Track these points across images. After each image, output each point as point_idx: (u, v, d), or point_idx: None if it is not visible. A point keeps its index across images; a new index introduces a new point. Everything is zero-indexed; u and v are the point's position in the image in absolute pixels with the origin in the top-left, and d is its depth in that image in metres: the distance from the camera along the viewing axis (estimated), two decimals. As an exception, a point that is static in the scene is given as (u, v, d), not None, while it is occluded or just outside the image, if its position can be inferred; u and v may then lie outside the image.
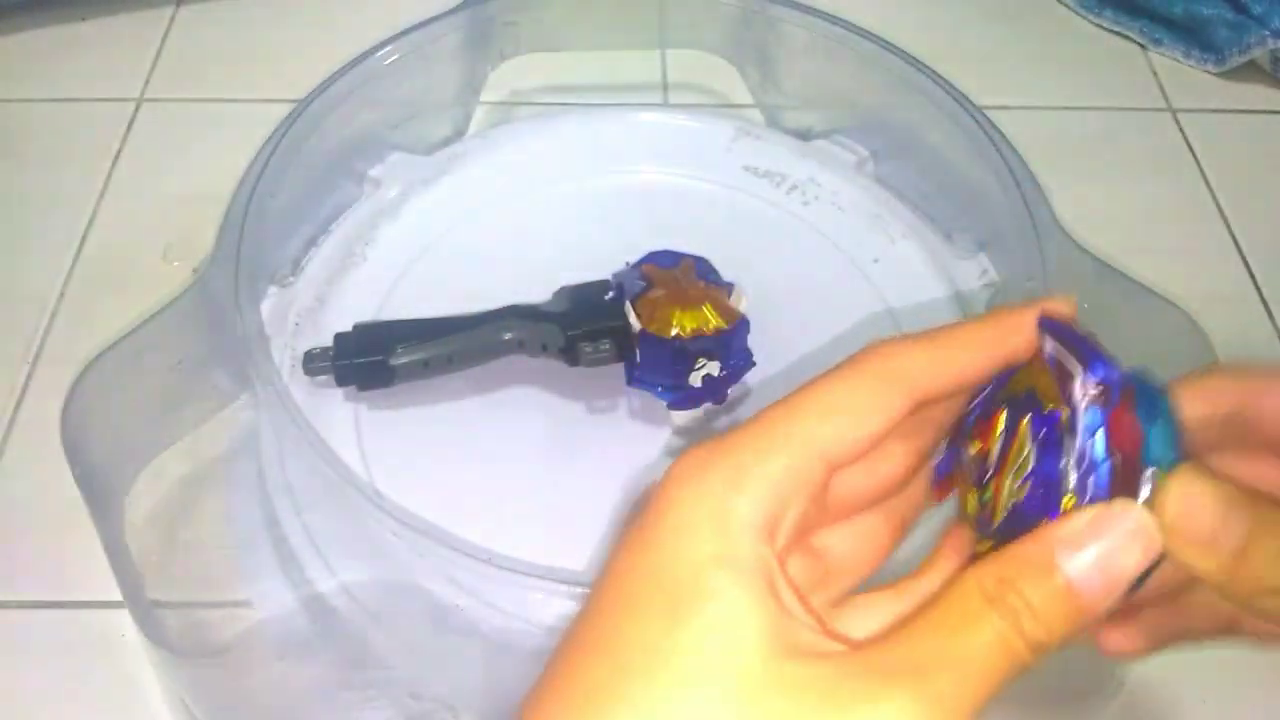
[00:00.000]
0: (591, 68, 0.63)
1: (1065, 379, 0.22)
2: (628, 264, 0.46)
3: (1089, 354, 0.22)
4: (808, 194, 0.54)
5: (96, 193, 0.57)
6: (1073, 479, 0.21)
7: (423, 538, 0.36)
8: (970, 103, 0.51)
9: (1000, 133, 0.49)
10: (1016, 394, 0.24)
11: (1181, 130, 0.63)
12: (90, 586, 0.43)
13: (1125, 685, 0.42)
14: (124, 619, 0.42)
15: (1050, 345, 0.23)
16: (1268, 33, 0.62)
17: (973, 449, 0.25)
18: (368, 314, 0.48)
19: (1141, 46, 0.67)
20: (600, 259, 0.49)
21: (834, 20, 0.55)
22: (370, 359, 0.44)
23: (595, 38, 0.61)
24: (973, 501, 0.25)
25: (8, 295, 0.53)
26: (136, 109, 0.61)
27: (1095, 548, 0.20)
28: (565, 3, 0.59)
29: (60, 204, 0.56)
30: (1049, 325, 0.23)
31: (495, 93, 0.61)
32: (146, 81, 0.63)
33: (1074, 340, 0.23)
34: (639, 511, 0.21)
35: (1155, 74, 0.66)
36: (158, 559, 0.42)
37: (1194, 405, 0.23)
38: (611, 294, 0.45)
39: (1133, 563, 0.20)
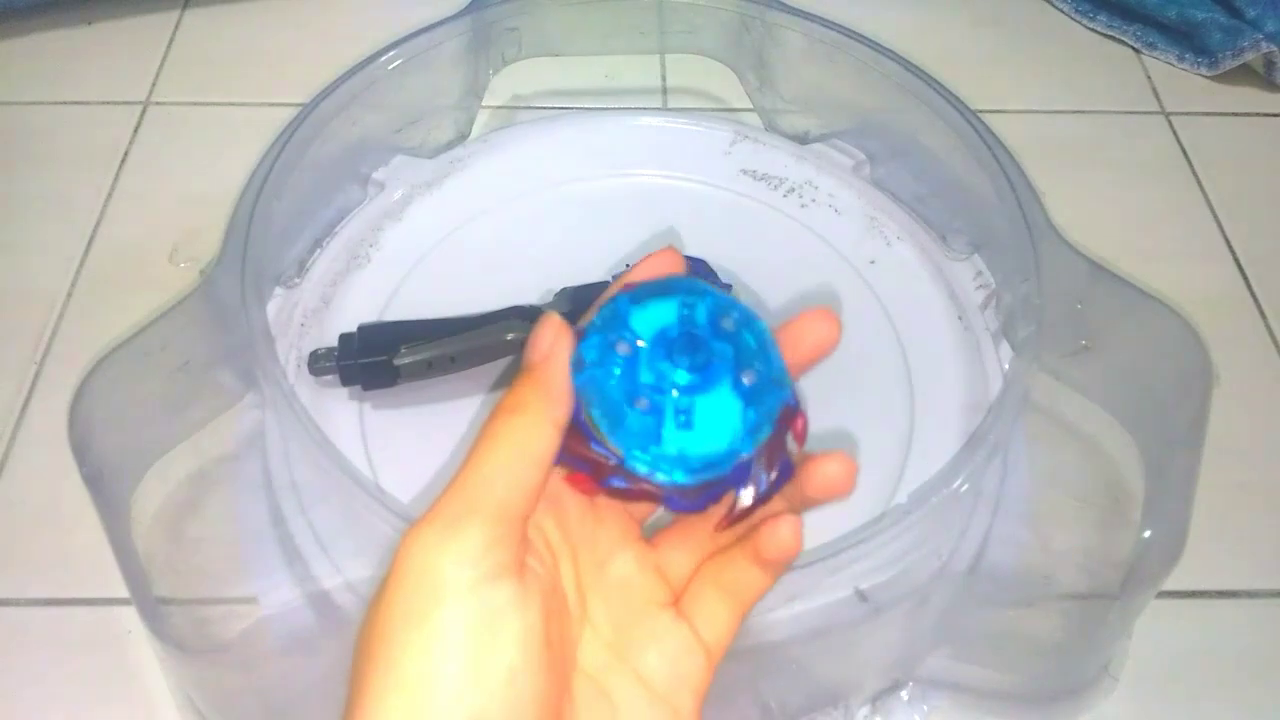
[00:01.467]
0: (592, 73, 0.63)
1: None
2: (628, 266, 0.46)
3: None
4: (805, 197, 0.55)
5: (104, 195, 0.57)
6: None
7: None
8: (965, 107, 0.51)
9: (995, 136, 0.50)
10: None
11: (1175, 133, 0.63)
12: (97, 584, 0.43)
13: (1119, 682, 0.42)
14: (131, 616, 0.42)
15: None
16: (1261, 36, 0.63)
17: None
18: (372, 315, 0.49)
19: (1135, 50, 0.68)
20: (601, 261, 0.49)
21: (831, 25, 0.55)
22: (374, 359, 0.45)
23: (596, 43, 0.62)
24: None
25: (16, 296, 0.53)
26: (143, 112, 0.62)
27: None
28: (566, 9, 0.60)
29: (68, 206, 0.57)
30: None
31: (497, 97, 0.62)
32: (153, 85, 0.63)
33: None
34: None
35: (1149, 78, 0.66)
36: (164, 557, 0.42)
37: None
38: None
39: None
